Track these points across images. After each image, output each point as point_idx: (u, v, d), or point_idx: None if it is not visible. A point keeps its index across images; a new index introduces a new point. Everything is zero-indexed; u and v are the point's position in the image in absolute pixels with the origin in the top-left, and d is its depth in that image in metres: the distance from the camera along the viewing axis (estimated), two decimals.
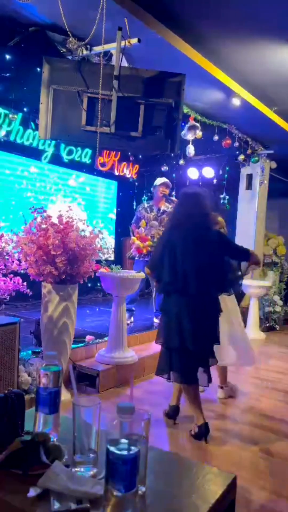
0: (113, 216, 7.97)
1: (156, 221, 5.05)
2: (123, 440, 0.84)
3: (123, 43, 3.19)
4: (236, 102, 5.03)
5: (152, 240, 4.82)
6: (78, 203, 7.12)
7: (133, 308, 5.14)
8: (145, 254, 4.82)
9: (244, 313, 6.62)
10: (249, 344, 3.67)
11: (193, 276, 2.72)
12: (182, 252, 2.77)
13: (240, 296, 6.86)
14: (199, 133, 5.29)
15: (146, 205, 5.27)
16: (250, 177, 7.18)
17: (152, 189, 5.42)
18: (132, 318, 5.09)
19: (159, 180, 5.22)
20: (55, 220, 3.04)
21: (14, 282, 3.19)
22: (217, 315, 2.86)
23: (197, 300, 2.77)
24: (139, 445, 0.85)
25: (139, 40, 3.43)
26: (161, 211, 5.10)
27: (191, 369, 2.82)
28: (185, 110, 5.17)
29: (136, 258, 4.98)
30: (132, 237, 5.03)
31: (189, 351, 2.75)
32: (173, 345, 2.80)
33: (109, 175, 7.52)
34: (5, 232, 3.22)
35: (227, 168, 7.05)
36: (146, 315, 5.52)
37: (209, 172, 7.01)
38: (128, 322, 4.75)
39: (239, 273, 3.01)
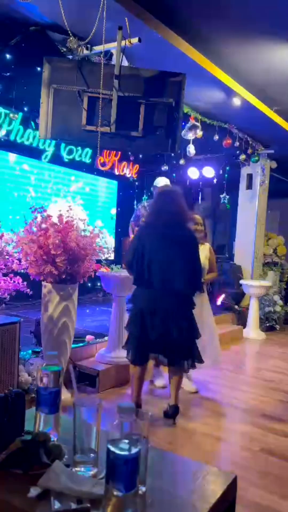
0: (113, 216, 7.96)
1: None
2: (124, 440, 0.84)
3: (123, 42, 3.19)
4: (236, 101, 5.02)
5: None
6: (78, 204, 7.12)
7: None
8: None
9: (244, 313, 6.63)
10: (216, 346, 3.75)
11: (158, 272, 2.84)
12: (151, 248, 2.87)
13: (240, 296, 6.87)
14: (199, 133, 5.29)
15: (146, 203, 5.27)
16: (250, 177, 7.18)
17: (152, 188, 5.42)
18: None
19: (159, 181, 5.21)
20: (55, 219, 3.04)
21: (14, 282, 3.19)
22: (187, 312, 2.96)
23: (162, 295, 2.87)
24: (139, 445, 0.85)
25: (139, 40, 3.42)
26: None
27: (142, 352, 2.98)
28: (186, 109, 5.17)
29: None
30: (132, 235, 5.03)
31: (148, 340, 2.88)
32: (134, 332, 2.96)
33: (109, 174, 7.52)
34: (5, 232, 3.22)
35: (228, 168, 7.05)
36: None
37: (209, 171, 7.00)
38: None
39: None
